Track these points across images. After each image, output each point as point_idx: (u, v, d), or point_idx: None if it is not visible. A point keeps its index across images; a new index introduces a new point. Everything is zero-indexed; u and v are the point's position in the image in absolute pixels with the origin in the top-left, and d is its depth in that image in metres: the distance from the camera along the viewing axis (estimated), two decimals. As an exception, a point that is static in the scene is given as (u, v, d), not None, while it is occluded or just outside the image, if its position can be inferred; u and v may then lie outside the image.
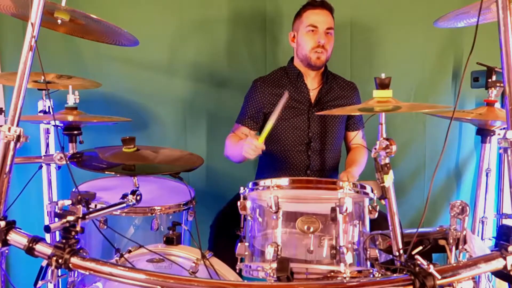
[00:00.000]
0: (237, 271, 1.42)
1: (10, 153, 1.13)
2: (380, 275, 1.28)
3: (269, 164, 2.18)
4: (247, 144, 1.78)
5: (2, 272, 1.31)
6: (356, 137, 2.21)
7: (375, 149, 1.21)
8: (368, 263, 1.31)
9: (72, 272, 1.58)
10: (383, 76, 1.29)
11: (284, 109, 2.13)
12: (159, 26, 2.44)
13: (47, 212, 2.15)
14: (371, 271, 1.30)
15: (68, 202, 1.22)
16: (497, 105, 2.08)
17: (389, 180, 1.20)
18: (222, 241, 1.94)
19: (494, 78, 2.10)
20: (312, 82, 2.17)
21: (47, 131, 2.29)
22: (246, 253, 1.35)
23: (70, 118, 1.70)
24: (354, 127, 2.22)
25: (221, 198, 2.21)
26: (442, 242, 1.29)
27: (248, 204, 1.38)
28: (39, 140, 2.30)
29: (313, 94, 2.15)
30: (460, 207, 1.23)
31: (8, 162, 1.13)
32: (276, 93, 2.15)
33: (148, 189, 1.81)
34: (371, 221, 1.39)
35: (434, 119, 2.44)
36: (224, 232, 2.00)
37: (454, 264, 1.07)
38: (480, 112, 2.04)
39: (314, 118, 2.12)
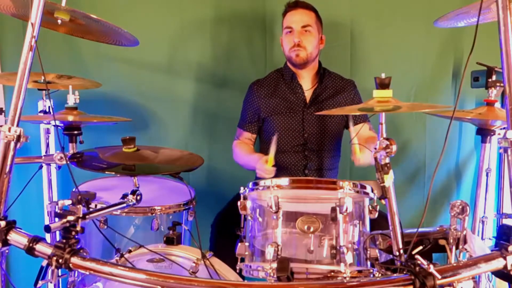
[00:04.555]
0: (237, 271, 1.42)
1: (10, 153, 1.13)
2: (380, 275, 1.28)
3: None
4: (259, 170, 1.89)
5: (2, 272, 1.31)
6: (363, 130, 2.09)
7: (375, 149, 1.21)
8: (368, 263, 1.31)
9: (73, 272, 1.58)
10: (383, 76, 1.29)
11: (279, 111, 2.12)
12: (159, 26, 2.44)
13: (47, 212, 2.15)
14: (371, 271, 1.30)
15: (68, 202, 1.22)
16: (497, 105, 2.07)
17: (389, 180, 1.20)
18: (222, 241, 1.94)
19: (494, 77, 2.09)
20: (307, 82, 2.17)
21: (47, 131, 2.29)
22: (246, 253, 1.35)
23: (70, 118, 1.70)
24: (357, 120, 2.16)
25: (221, 198, 2.22)
26: (442, 242, 1.29)
27: (248, 204, 1.38)
28: (39, 140, 2.30)
29: (308, 94, 2.15)
30: (460, 207, 1.23)
31: (8, 162, 1.13)
32: (273, 95, 2.15)
33: (148, 189, 1.81)
34: (371, 221, 1.39)
35: (434, 119, 2.44)
36: (224, 232, 2.00)
37: (454, 264, 1.06)
38: (480, 112, 2.04)
39: (309, 119, 2.12)
